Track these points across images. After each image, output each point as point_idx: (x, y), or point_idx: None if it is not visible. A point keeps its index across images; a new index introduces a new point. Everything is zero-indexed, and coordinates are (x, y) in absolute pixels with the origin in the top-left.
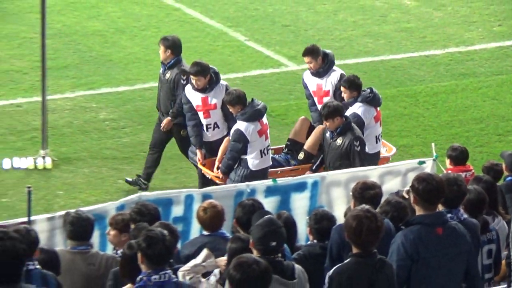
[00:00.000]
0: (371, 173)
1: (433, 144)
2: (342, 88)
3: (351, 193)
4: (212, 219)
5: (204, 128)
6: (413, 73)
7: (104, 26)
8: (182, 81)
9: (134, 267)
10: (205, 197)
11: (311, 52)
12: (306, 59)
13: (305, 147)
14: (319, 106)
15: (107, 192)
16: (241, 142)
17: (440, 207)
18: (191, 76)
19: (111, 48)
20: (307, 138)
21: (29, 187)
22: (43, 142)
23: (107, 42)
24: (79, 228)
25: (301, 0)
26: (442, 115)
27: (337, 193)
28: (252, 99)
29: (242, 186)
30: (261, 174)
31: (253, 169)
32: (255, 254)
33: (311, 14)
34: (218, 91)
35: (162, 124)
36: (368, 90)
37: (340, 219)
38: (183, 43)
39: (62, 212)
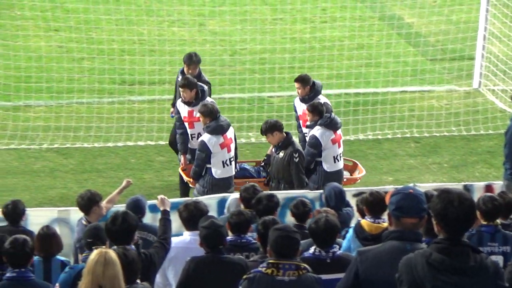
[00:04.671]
0: None
1: None
2: (306, 111)
3: None
4: None
5: (189, 137)
6: None
7: None
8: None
9: None
10: None
11: (302, 80)
12: (296, 85)
13: None
14: (303, 129)
15: None
16: (204, 152)
17: None
18: (179, 88)
19: None
20: None
21: None
22: None
23: None
24: None
25: None
26: None
27: None
28: (219, 116)
29: None
30: (224, 182)
31: (216, 177)
32: None
33: None
34: None
35: None
36: (328, 115)
37: None
38: None
39: None
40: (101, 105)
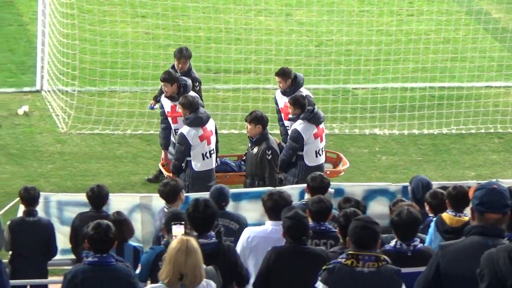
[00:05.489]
0: None
1: None
2: (288, 104)
3: None
4: None
5: (173, 131)
6: None
7: None
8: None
9: None
10: None
11: (283, 73)
12: (277, 78)
13: None
14: (285, 122)
15: None
16: (184, 144)
17: None
18: (161, 82)
19: None
20: None
21: None
22: None
23: None
24: None
25: None
26: None
27: None
28: (198, 108)
29: None
30: (204, 175)
31: (196, 170)
32: None
33: None
34: None
35: None
36: (311, 109)
37: None
38: None
39: None
40: None
